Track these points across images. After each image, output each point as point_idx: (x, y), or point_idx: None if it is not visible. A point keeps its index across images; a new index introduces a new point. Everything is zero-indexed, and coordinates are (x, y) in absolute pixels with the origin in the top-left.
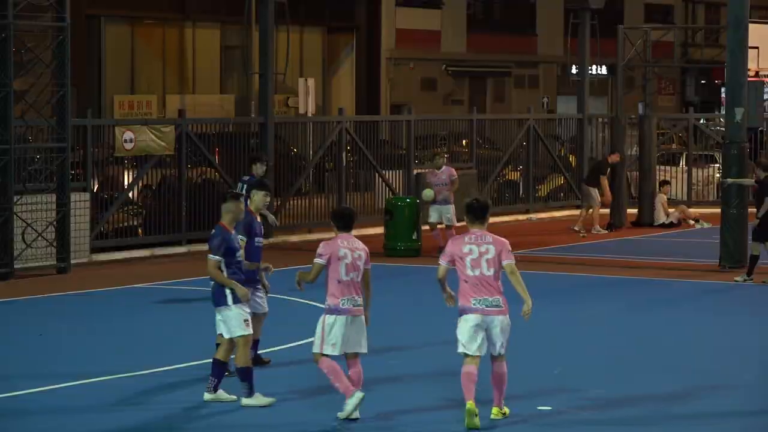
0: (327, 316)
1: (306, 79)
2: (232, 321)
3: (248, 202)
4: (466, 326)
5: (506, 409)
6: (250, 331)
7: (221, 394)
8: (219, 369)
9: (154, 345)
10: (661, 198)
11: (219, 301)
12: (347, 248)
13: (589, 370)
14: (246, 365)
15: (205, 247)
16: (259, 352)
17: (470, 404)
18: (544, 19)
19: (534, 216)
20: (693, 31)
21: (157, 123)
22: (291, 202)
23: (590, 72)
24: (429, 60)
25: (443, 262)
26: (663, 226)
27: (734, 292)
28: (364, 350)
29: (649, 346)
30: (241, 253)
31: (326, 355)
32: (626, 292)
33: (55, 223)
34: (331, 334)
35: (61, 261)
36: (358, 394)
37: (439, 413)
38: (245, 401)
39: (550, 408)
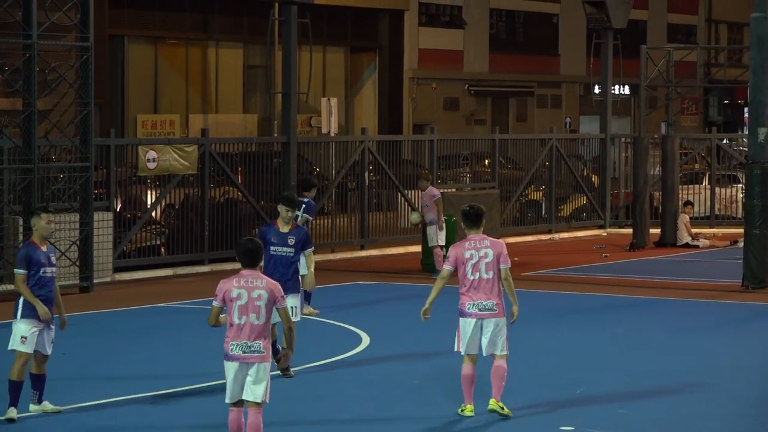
0: (224, 362)
1: (329, 99)
2: (14, 335)
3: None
4: (464, 328)
5: (507, 410)
6: (26, 349)
7: (46, 404)
8: (35, 382)
9: (177, 364)
10: (684, 218)
11: (14, 313)
12: (243, 288)
13: (612, 390)
14: (14, 379)
15: (228, 266)
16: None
17: (471, 409)
18: (567, 39)
19: (556, 236)
20: (716, 51)
21: (180, 142)
22: (314, 222)
23: (613, 92)
24: (451, 80)
25: (448, 266)
26: (686, 246)
27: (758, 310)
28: (260, 399)
29: (672, 367)
30: (54, 270)
31: (235, 404)
32: (650, 312)
33: (78, 242)
34: (226, 381)
35: (84, 280)
36: None
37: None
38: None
39: (572, 428)
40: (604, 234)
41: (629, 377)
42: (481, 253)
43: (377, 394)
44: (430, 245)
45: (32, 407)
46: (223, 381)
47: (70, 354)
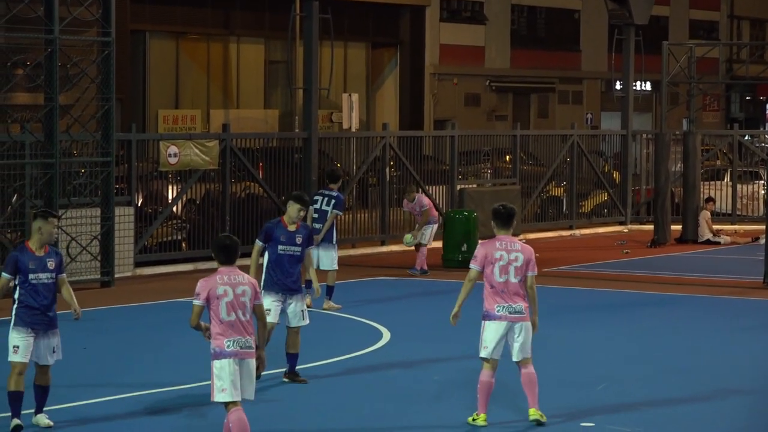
0: (214, 361)
1: (350, 95)
2: (9, 344)
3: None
4: (491, 332)
5: (544, 417)
6: (19, 359)
7: (40, 418)
8: (36, 393)
9: (197, 359)
10: (705, 215)
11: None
12: (227, 284)
13: (633, 387)
14: (11, 390)
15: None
16: (300, 366)
17: (484, 418)
18: (589, 35)
19: (578, 232)
20: (738, 47)
21: (201, 137)
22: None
23: (634, 88)
24: (473, 75)
25: (475, 266)
26: (707, 242)
27: None
28: (250, 397)
29: (693, 364)
30: (50, 276)
31: (228, 403)
32: (671, 309)
33: (99, 237)
34: (220, 380)
35: (105, 275)
36: None
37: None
38: None
39: (593, 425)
40: (625, 230)
41: (650, 374)
42: (511, 256)
43: (397, 391)
44: (420, 241)
45: (33, 419)
46: None
47: (91, 349)
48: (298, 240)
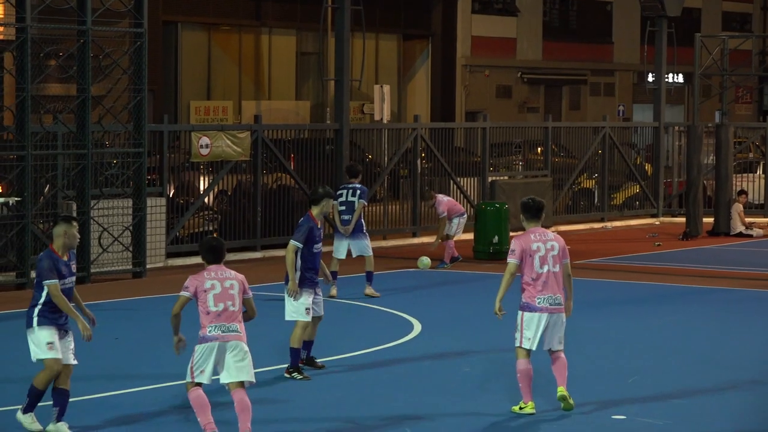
0: (197, 346)
1: (381, 86)
2: (38, 344)
3: (313, 208)
4: (532, 322)
5: (570, 398)
6: (56, 355)
7: (61, 427)
8: (58, 397)
9: None
10: (738, 207)
11: (27, 323)
12: (215, 279)
13: (665, 380)
14: (41, 388)
15: (280, 252)
16: (331, 357)
17: (533, 406)
18: (621, 27)
19: (609, 224)
20: None
21: (233, 129)
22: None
23: (667, 80)
24: (504, 67)
25: (514, 259)
26: (739, 235)
27: None
28: (246, 378)
29: (724, 357)
30: (73, 280)
31: (198, 384)
32: (702, 302)
33: (131, 227)
34: (199, 362)
35: (136, 265)
36: None
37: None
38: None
39: (624, 417)
40: (657, 223)
41: (682, 367)
42: (548, 245)
43: (429, 382)
44: (447, 233)
45: (50, 426)
46: (276, 366)
47: (123, 339)
48: (321, 236)
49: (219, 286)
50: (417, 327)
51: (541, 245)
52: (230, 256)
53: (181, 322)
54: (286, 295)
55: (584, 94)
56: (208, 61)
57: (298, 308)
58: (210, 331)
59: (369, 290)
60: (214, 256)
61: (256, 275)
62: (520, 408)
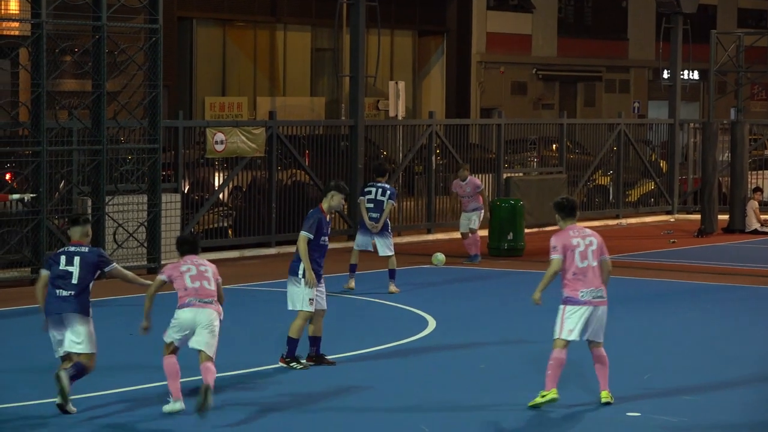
0: (176, 311)
1: (396, 82)
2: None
3: (325, 201)
4: (575, 315)
5: (612, 398)
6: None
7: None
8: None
9: (242, 346)
10: (753, 204)
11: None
12: (191, 264)
13: (679, 377)
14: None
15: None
16: (348, 353)
17: (555, 393)
18: (636, 24)
19: (624, 221)
20: None
21: (247, 125)
22: None
23: (682, 77)
24: (519, 64)
25: (558, 255)
26: (755, 232)
27: None
28: (210, 353)
29: (740, 354)
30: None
31: (173, 351)
32: (717, 299)
33: (146, 223)
34: (173, 328)
35: (151, 261)
36: (179, 405)
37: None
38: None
39: (639, 414)
40: (672, 220)
41: (697, 364)
42: (586, 241)
43: (443, 379)
44: (470, 227)
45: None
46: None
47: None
48: (329, 229)
49: (195, 269)
50: (432, 323)
51: (580, 240)
52: (245, 252)
53: (152, 307)
54: (290, 285)
55: (599, 90)
56: (223, 57)
57: (301, 299)
58: (189, 301)
59: (392, 287)
60: (190, 246)
61: (271, 271)
62: (543, 396)
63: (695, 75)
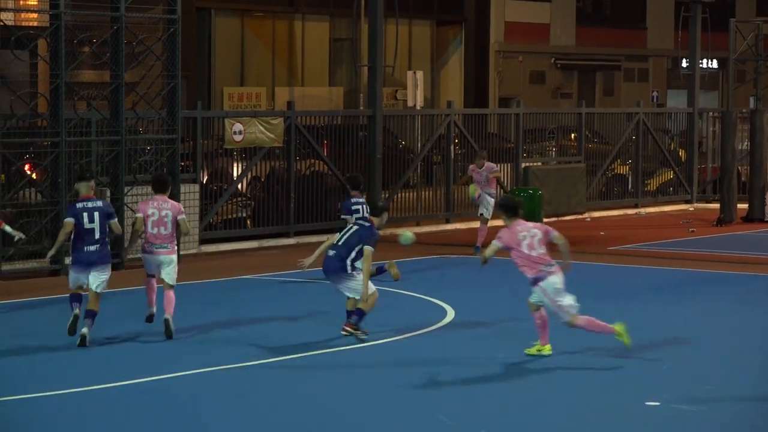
0: (143, 255)
1: (414, 72)
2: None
3: (377, 219)
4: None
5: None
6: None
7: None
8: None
9: (263, 335)
10: None
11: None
12: (156, 208)
13: (699, 366)
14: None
15: (314, 239)
16: (366, 344)
17: (549, 348)
18: (655, 13)
19: (643, 210)
20: None
21: (266, 115)
22: (399, 195)
23: (701, 65)
24: (538, 53)
25: (499, 243)
26: None
27: None
28: (171, 282)
29: (759, 343)
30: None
31: (152, 275)
32: (736, 288)
33: None
34: (144, 264)
35: None
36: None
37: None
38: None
39: (658, 403)
40: (691, 209)
41: (716, 353)
42: (531, 233)
43: (461, 368)
44: (485, 217)
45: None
46: (309, 353)
47: (156, 325)
48: None
49: (157, 214)
50: (450, 313)
51: (526, 234)
52: (264, 243)
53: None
54: (344, 282)
55: (618, 79)
56: (241, 48)
57: (365, 286)
58: (148, 248)
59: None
60: (160, 185)
61: (290, 261)
62: (538, 350)
63: (714, 64)
